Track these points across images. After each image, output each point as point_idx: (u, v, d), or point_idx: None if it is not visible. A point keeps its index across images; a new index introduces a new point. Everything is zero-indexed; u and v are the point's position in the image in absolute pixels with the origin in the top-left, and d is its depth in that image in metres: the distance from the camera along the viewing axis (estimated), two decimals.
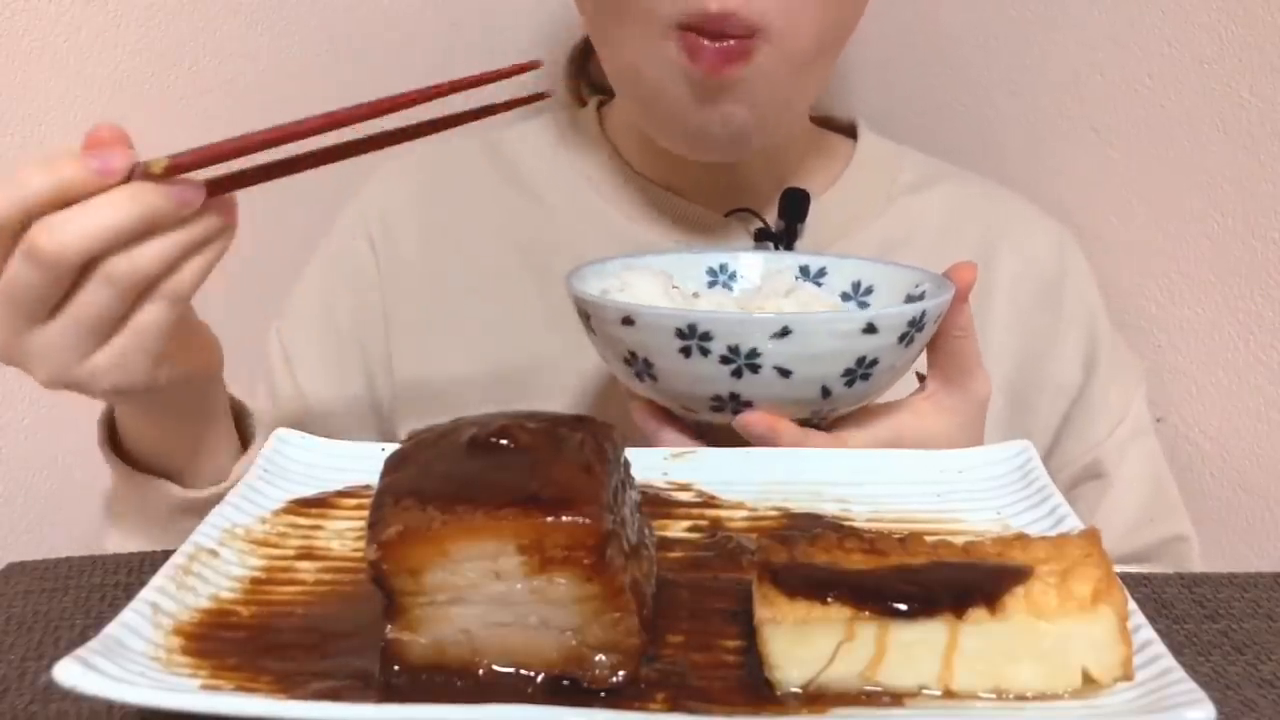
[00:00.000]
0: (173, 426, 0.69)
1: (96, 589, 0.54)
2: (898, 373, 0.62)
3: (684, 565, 0.49)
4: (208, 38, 0.97)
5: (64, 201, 0.54)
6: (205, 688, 0.40)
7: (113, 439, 0.71)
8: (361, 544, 0.47)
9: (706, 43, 0.68)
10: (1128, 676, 0.40)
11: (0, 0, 0.87)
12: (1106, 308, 0.86)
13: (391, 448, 0.48)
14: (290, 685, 0.40)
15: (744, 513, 0.54)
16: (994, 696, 0.40)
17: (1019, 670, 0.40)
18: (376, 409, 0.85)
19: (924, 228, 0.84)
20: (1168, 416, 0.91)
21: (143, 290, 0.56)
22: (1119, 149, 0.91)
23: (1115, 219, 0.92)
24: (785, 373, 0.58)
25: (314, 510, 0.54)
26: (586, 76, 0.94)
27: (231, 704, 0.39)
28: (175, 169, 0.55)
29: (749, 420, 0.60)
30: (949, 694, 0.40)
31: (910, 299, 0.66)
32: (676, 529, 0.52)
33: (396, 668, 0.42)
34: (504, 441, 0.44)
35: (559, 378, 0.81)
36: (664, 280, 0.68)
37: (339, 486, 0.55)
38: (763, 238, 0.81)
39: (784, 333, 0.57)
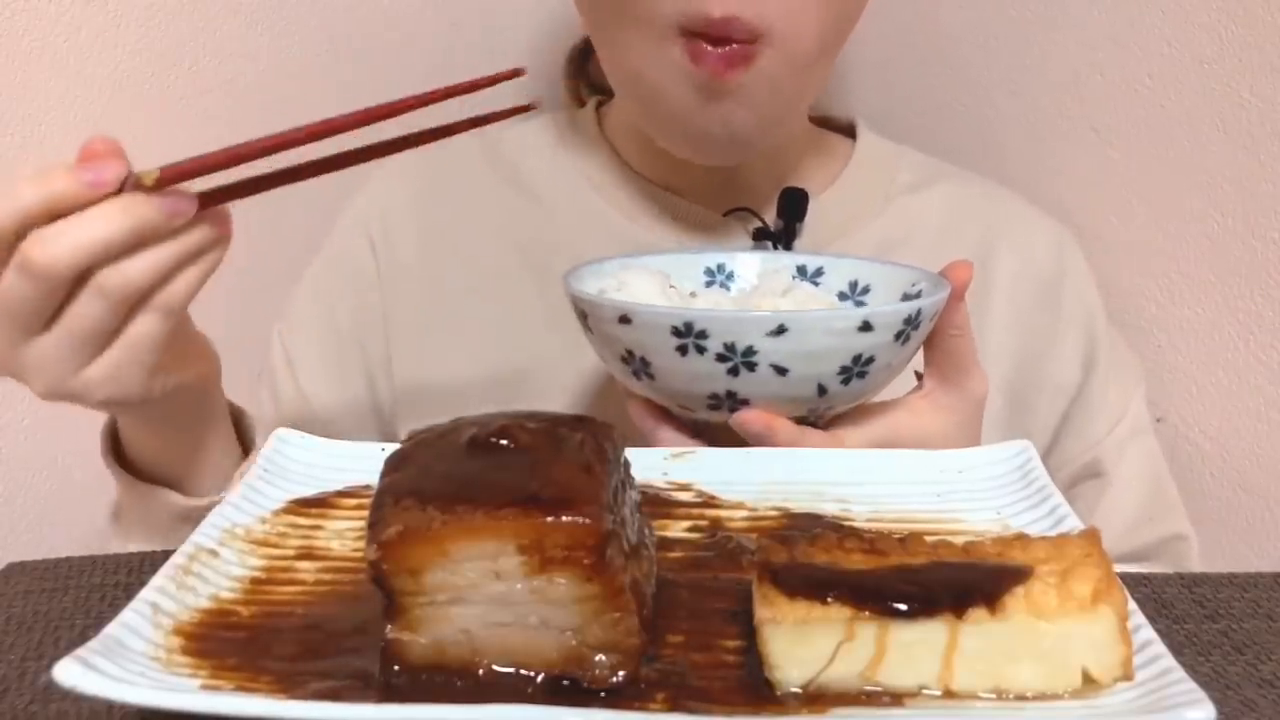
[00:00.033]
0: (173, 436, 0.69)
1: (96, 589, 0.54)
2: (894, 371, 0.62)
3: (684, 565, 0.49)
4: (208, 38, 0.97)
5: (57, 214, 0.55)
6: (205, 688, 0.40)
7: (116, 448, 0.71)
8: (361, 544, 0.47)
9: (709, 48, 0.68)
10: (1128, 676, 0.40)
11: (1, 1, 0.87)
12: (1106, 307, 0.86)
13: (391, 448, 0.48)
14: (290, 685, 0.40)
15: (744, 513, 0.54)
16: (994, 696, 0.40)
17: (1019, 670, 0.40)
18: (377, 409, 0.85)
19: (923, 227, 0.84)
20: (1168, 416, 0.91)
21: (135, 302, 0.57)
22: (1119, 149, 0.91)
23: (1115, 219, 0.92)
24: (782, 371, 0.58)
25: (314, 510, 0.54)
26: (585, 77, 0.94)
27: (231, 704, 0.39)
28: (166, 180, 0.55)
29: (745, 418, 0.60)
30: (949, 694, 0.40)
31: (907, 298, 0.66)
32: (676, 529, 0.52)
33: (396, 668, 0.42)
34: (504, 441, 0.44)
35: (559, 378, 0.81)
36: (661, 280, 0.68)
37: (339, 486, 0.55)
38: (761, 237, 0.81)
39: (780, 330, 0.57)
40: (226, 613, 0.45)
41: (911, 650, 0.40)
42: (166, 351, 0.60)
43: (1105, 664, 0.40)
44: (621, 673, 0.41)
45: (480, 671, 0.41)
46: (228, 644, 0.43)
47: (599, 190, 0.85)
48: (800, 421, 0.61)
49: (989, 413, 0.67)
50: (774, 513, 0.54)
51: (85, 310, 0.56)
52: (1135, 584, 0.52)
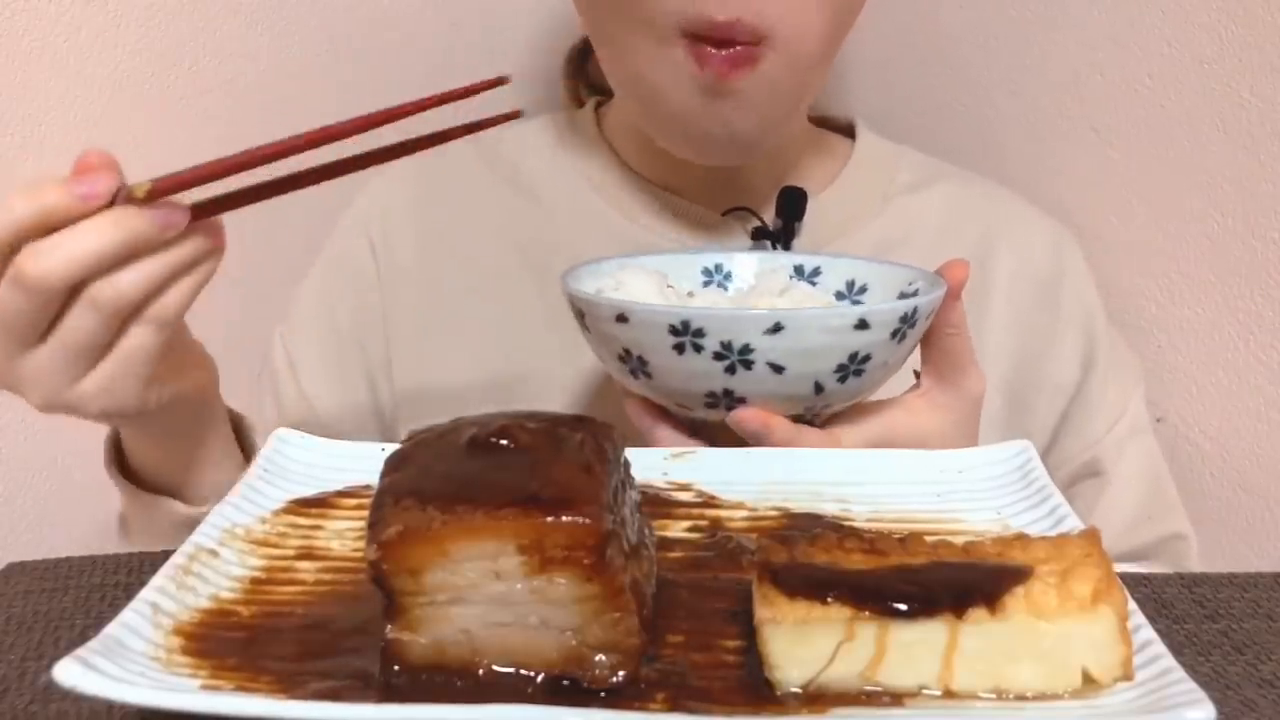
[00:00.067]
0: (172, 446, 0.69)
1: (96, 589, 0.54)
2: (890, 369, 0.62)
3: (684, 565, 0.49)
4: (208, 38, 0.97)
5: (50, 227, 0.55)
6: (205, 688, 0.40)
7: (120, 458, 0.72)
8: (361, 544, 0.47)
9: (713, 50, 0.68)
10: (1128, 676, 0.40)
11: (1, 1, 0.87)
12: (1106, 307, 0.86)
13: (391, 448, 0.48)
14: (290, 685, 0.40)
15: (744, 513, 0.54)
16: (994, 696, 0.40)
17: (1019, 670, 0.40)
18: (378, 410, 0.85)
19: (922, 227, 0.84)
20: (1168, 416, 0.91)
21: (128, 315, 0.57)
22: (1119, 149, 0.91)
23: (1115, 219, 0.92)
24: (778, 369, 0.59)
25: (314, 510, 0.54)
26: (584, 77, 0.94)
27: (231, 704, 0.39)
28: (157, 192, 0.55)
29: (742, 416, 0.60)
30: (949, 694, 0.40)
31: (904, 296, 0.66)
32: (676, 529, 0.52)
33: (396, 668, 0.42)
34: (504, 441, 0.44)
35: (559, 378, 0.81)
36: (659, 279, 0.68)
37: (339, 486, 0.55)
38: (760, 236, 0.81)
39: (777, 328, 0.57)
40: (226, 613, 0.45)
41: (911, 650, 0.40)
42: (161, 363, 0.60)
43: (1105, 664, 0.40)
44: (621, 673, 0.41)
45: (480, 671, 0.41)
46: (228, 644, 0.43)
47: (598, 190, 0.85)
48: (797, 420, 0.61)
49: (988, 412, 0.67)
50: (774, 513, 0.54)
51: (78, 323, 0.56)
52: (1135, 584, 0.52)
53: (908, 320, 0.60)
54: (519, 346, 0.82)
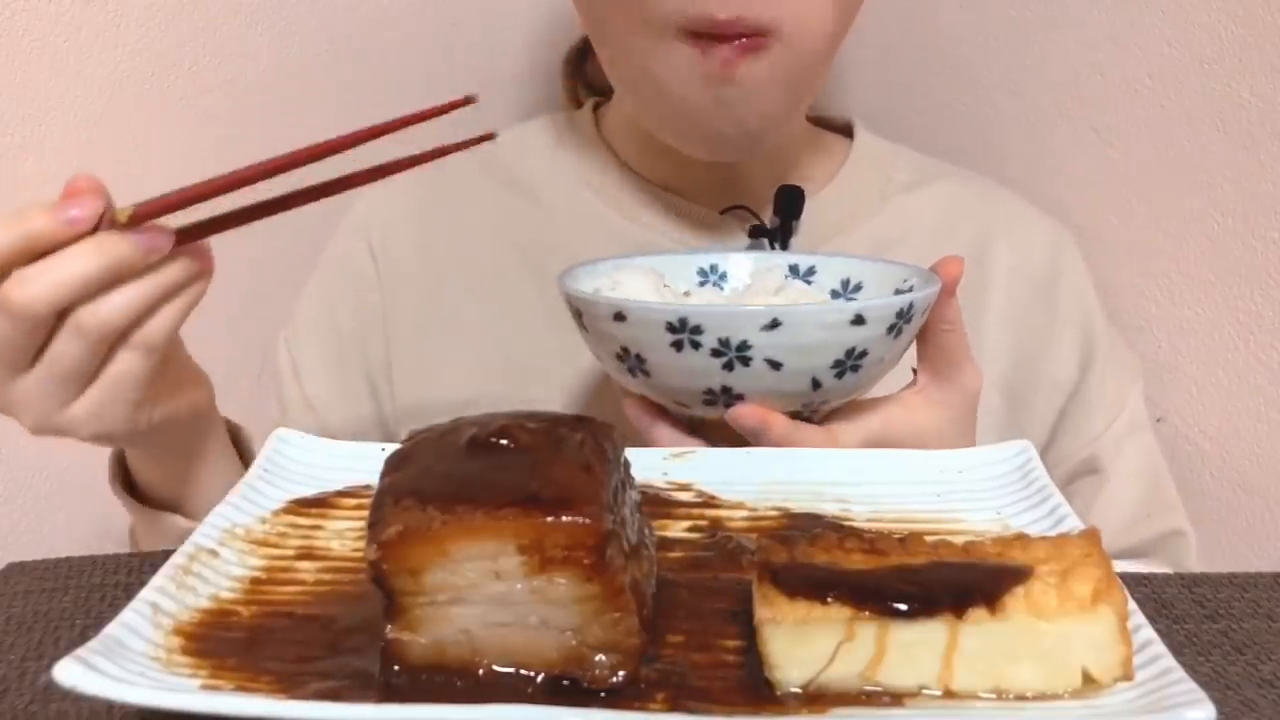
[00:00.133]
0: (172, 463, 0.70)
1: (96, 589, 0.54)
2: (887, 365, 0.62)
3: (684, 565, 0.49)
4: (208, 38, 0.97)
5: (37, 253, 0.55)
6: (205, 688, 0.40)
7: (125, 472, 0.72)
8: (361, 544, 0.47)
9: (717, 46, 0.68)
10: (1128, 676, 0.40)
11: (1, 1, 0.87)
12: (1105, 307, 0.86)
13: (391, 448, 0.48)
14: (290, 685, 0.40)
15: (744, 513, 0.54)
16: (994, 696, 0.40)
17: (1019, 670, 0.40)
18: (379, 411, 0.85)
19: (919, 226, 0.84)
20: (1168, 416, 0.91)
21: (114, 340, 0.57)
22: (1119, 149, 0.91)
23: (1115, 219, 0.92)
24: (776, 365, 0.59)
25: (314, 510, 0.54)
26: (583, 78, 0.94)
27: (231, 704, 0.39)
28: (140, 217, 0.56)
29: (740, 413, 0.60)
30: (949, 694, 0.40)
31: (899, 293, 0.66)
32: (676, 529, 0.52)
33: (396, 668, 0.42)
34: (504, 441, 0.44)
35: (559, 378, 0.81)
36: (655, 279, 0.68)
37: (339, 486, 0.55)
38: (758, 235, 0.81)
39: (774, 325, 0.58)
40: (226, 613, 0.45)
41: (911, 650, 0.40)
42: (151, 387, 0.60)
43: (1105, 664, 0.40)
44: (621, 673, 0.41)
45: (480, 671, 0.41)
46: (228, 644, 0.43)
47: (597, 191, 0.85)
48: (795, 417, 0.61)
49: (986, 410, 0.67)
50: (774, 513, 0.54)
51: (64, 349, 0.56)
52: (1135, 584, 0.52)
53: (904, 315, 0.60)
54: (519, 347, 0.82)
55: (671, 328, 0.58)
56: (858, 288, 0.70)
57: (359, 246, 0.86)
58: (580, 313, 0.63)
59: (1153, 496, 0.83)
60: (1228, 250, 0.86)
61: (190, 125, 0.97)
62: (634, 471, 0.48)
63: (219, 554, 0.49)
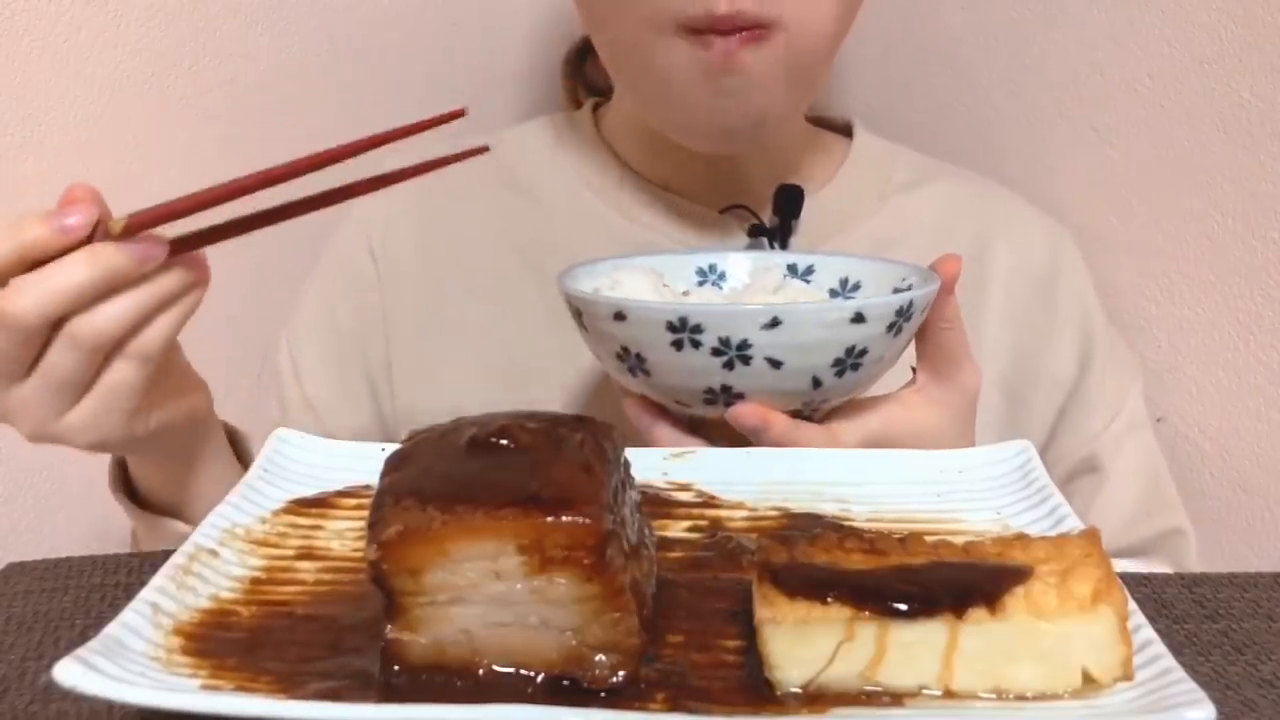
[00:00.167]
0: (170, 469, 0.70)
1: (96, 589, 0.54)
2: (887, 363, 0.63)
3: (684, 565, 0.49)
4: (208, 38, 0.97)
5: (32, 262, 0.55)
6: (205, 688, 0.40)
7: (126, 476, 0.73)
8: (361, 544, 0.47)
9: (718, 37, 0.68)
10: (1128, 676, 0.40)
11: (1, 1, 0.88)
12: (1105, 307, 0.86)
13: (391, 448, 0.48)
14: (290, 685, 0.40)
15: (744, 513, 0.54)
16: (994, 696, 0.40)
17: (1019, 670, 0.40)
18: (379, 411, 0.85)
19: (918, 226, 0.84)
20: (1168, 416, 0.91)
21: (109, 350, 0.57)
22: (1119, 149, 0.91)
23: (1115, 219, 0.92)
24: (776, 364, 0.59)
25: (314, 510, 0.54)
26: (582, 78, 0.95)
27: (231, 704, 0.39)
28: (134, 227, 0.56)
29: (740, 412, 0.60)
30: (949, 694, 0.40)
31: (898, 292, 0.66)
32: (676, 529, 0.52)
33: (396, 668, 0.42)
34: (504, 441, 0.44)
35: (558, 378, 0.81)
36: (655, 279, 0.68)
37: (339, 486, 0.55)
38: (758, 234, 0.81)
39: (774, 323, 0.58)
40: (226, 613, 0.45)
41: (911, 650, 0.40)
42: (147, 396, 0.60)
43: (1105, 664, 0.40)
44: (621, 673, 0.41)
45: (480, 671, 0.41)
46: (228, 644, 0.43)
47: (596, 190, 0.85)
48: (795, 415, 0.61)
49: (986, 408, 0.67)
50: (774, 513, 0.54)
51: (59, 359, 0.57)
52: (1135, 584, 0.52)
53: (903, 314, 0.60)
54: (519, 347, 0.82)
55: (672, 327, 0.58)
56: (856, 287, 0.71)
57: (359, 247, 0.86)
58: (580, 312, 0.63)
59: (1152, 495, 0.83)
60: (1228, 250, 0.86)
61: (190, 125, 0.97)
62: (634, 471, 0.48)
63: (219, 554, 0.49)
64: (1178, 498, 0.84)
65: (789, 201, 0.80)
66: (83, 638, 0.41)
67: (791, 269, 0.72)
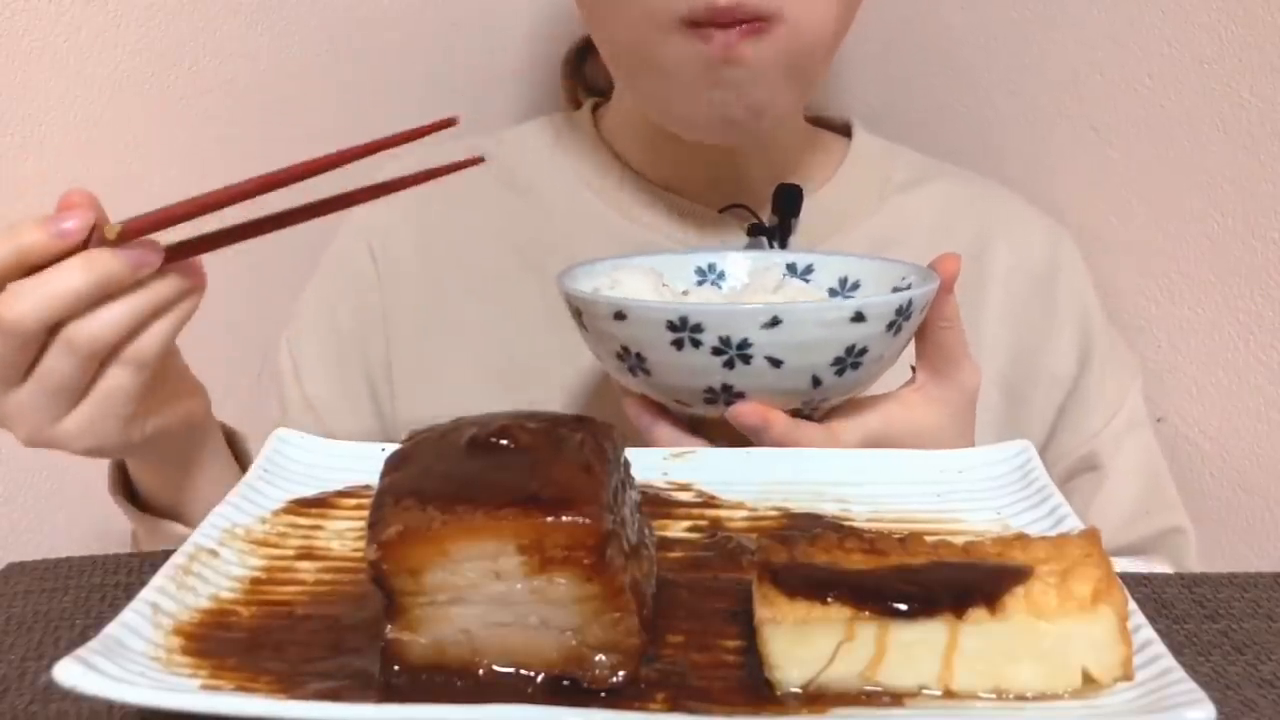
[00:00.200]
0: (169, 472, 0.70)
1: (96, 589, 0.54)
2: (886, 362, 0.63)
3: (684, 565, 0.49)
4: (208, 38, 0.97)
5: (30, 267, 0.56)
6: (205, 688, 0.40)
7: (126, 478, 0.73)
8: (361, 544, 0.47)
9: (719, 31, 0.68)
10: (1128, 676, 0.40)
11: (1, 1, 0.88)
12: (1105, 307, 0.86)
13: (391, 448, 0.48)
14: (290, 685, 0.40)
15: (744, 513, 0.54)
16: (994, 696, 0.40)
17: (1019, 670, 0.40)
18: (379, 411, 0.85)
19: (917, 225, 0.84)
20: (1168, 416, 0.91)
21: (105, 356, 0.57)
22: (1119, 149, 0.91)
23: (1115, 219, 0.92)
24: (776, 363, 0.59)
25: (314, 510, 0.54)
26: (582, 78, 0.95)
27: (231, 704, 0.39)
28: (129, 233, 0.56)
29: (741, 411, 0.60)
30: (949, 694, 0.40)
31: (897, 291, 0.66)
32: (676, 529, 0.52)
33: (396, 668, 0.42)
34: (504, 441, 0.44)
35: (558, 378, 0.81)
36: (654, 278, 0.68)
37: (339, 486, 0.55)
38: (757, 233, 0.81)
39: (774, 322, 0.58)
40: (226, 613, 0.45)
41: (911, 650, 0.40)
42: (143, 402, 0.60)
43: (1105, 664, 0.40)
44: (621, 673, 0.41)
45: (480, 671, 0.41)
46: (228, 644, 0.43)
47: (596, 190, 0.85)
48: (795, 414, 0.61)
49: (985, 406, 0.68)
50: (774, 513, 0.54)
51: (55, 365, 0.57)
52: (1135, 584, 0.52)
53: (903, 312, 0.60)
54: (518, 347, 0.82)
55: (672, 326, 0.58)
56: (855, 286, 0.71)
57: (359, 247, 0.86)
58: (580, 312, 0.63)
59: (1152, 493, 0.83)
60: (1228, 250, 0.86)
61: (190, 125, 0.97)
62: (634, 471, 0.48)
63: (219, 554, 0.49)
64: (1177, 496, 0.84)
65: (788, 201, 0.80)
66: (83, 638, 0.41)
67: (791, 268, 0.72)
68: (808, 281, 0.71)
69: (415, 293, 0.85)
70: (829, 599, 0.40)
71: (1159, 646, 0.40)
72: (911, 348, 0.65)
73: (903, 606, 0.39)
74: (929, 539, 0.44)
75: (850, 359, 0.60)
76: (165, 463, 0.69)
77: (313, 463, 0.57)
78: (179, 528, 0.70)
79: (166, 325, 0.58)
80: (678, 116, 0.76)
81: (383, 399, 0.85)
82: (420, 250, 0.85)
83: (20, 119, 0.89)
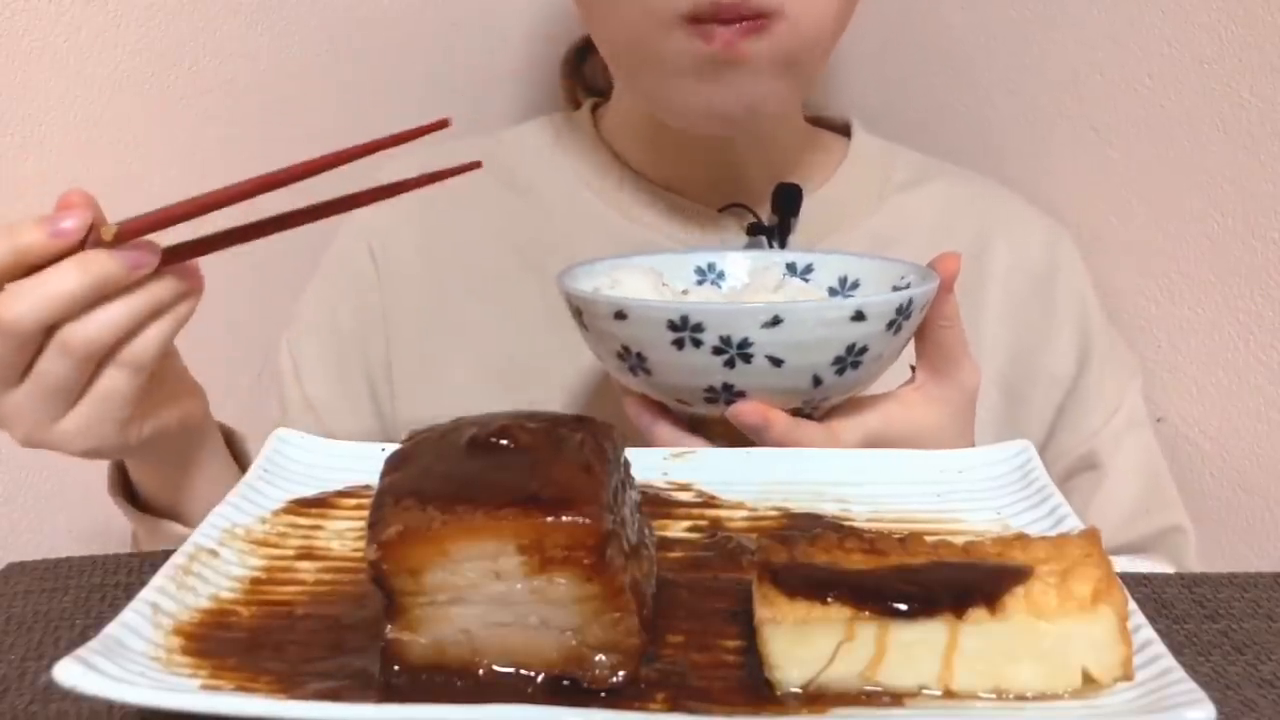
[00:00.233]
0: (168, 473, 0.70)
1: (96, 589, 0.54)
2: (887, 361, 0.63)
3: (684, 565, 0.49)
4: (208, 38, 0.97)
5: (28, 267, 0.56)
6: (205, 688, 0.40)
7: (125, 479, 0.73)
8: (361, 544, 0.47)
9: (720, 28, 0.68)
10: (1128, 676, 0.40)
11: (1, 1, 0.88)
12: (1105, 307, 0.86)
13: (391, 448, 0.48)
14: (290, 685, 0.40)
15: (744, 513, 0.54)
16: (994, 696, 0.40)
17: (1019, 670, 0.40)
18: (379, 411, 0.85)
19: (917, 225, 0.84)
20: (1168, 416, 0.91)
21: (101, 358, 0.57)
22: (1119, 149, 0.91)
23: (1115, 219, 0.92)
24: (777, 362, 0.59)
25: (314, 510, 0.54)
26: (581, 79, 0.95)
27: (231, 704, 0.39)
28: (125, 235, 0.56)
29: (741, 410, 0.60)
30: (949, 694, 0.40)
31: (896, 290, 0.66)
32: (676, 529, 0.52)
33: (396, 668, 0.42)
34: (504, 441, 0.44)
35: (558, 378, 0.81)
36: (654, 278, 0.68)
37: (339, 486, 0.55)
38: (756, 233, 0.81)
39: (775, 322, 0.58)
40: (226, 613, 0.45)
41: (911, 650, 0.40)
42: (140, 403, 0.60)
43: (1105, 664, 0.40)
44: (621, 673, 0.41)
45: (480, 671, 0.41)
46: (228, 644, 0.43)
47: (596, 190, 0.85)
48: (796, 414, 0.61)
49: (985, 406, 0.68)
50: (774, 513, 0.54)
51: (51, 366, 0.57)
52: (1135, 584, 0.52)
53: (903, 311, 0.60)
54: (519, 347, 0.82)
55: (673, 325, 0.58)
56: (855, 285, 0.71)
57: (359, 247, 0.86)
58: (581, 312, 0.63)
59: (1151, 492, 0.83)
60: (1228, 250, 0.86)
61: (190, 125, 0.97)
62: (634, 471, 0.48)
63: (219, 554, 0.49)
64: (1177, 496, 0.84)
65: (788, 200, 0.80)
66: (83, 638, 0.41)
67: (790, 268, 0.72)
68: (807, 281, 0.71)
69: (415, 293, 0.85)
70: (829, 599, 0.40)
71: (1159, 646, 0.40)
72: (911, 347, 0.65)
73: (903, 606, 0.39)
74: (929, 539, 0.44)
75: (851, 358, 0.60)
76: (164, 463, 0.69)
77: (313, 463, 0.57)
78: (179, 528, 0.70)
79: (163, 327, 0.58)
80: (675, 110, 0.76)
81: (383, 399, 0.85)
82: (420, 250, 0.85)
83: (20, 119, 0.89)
